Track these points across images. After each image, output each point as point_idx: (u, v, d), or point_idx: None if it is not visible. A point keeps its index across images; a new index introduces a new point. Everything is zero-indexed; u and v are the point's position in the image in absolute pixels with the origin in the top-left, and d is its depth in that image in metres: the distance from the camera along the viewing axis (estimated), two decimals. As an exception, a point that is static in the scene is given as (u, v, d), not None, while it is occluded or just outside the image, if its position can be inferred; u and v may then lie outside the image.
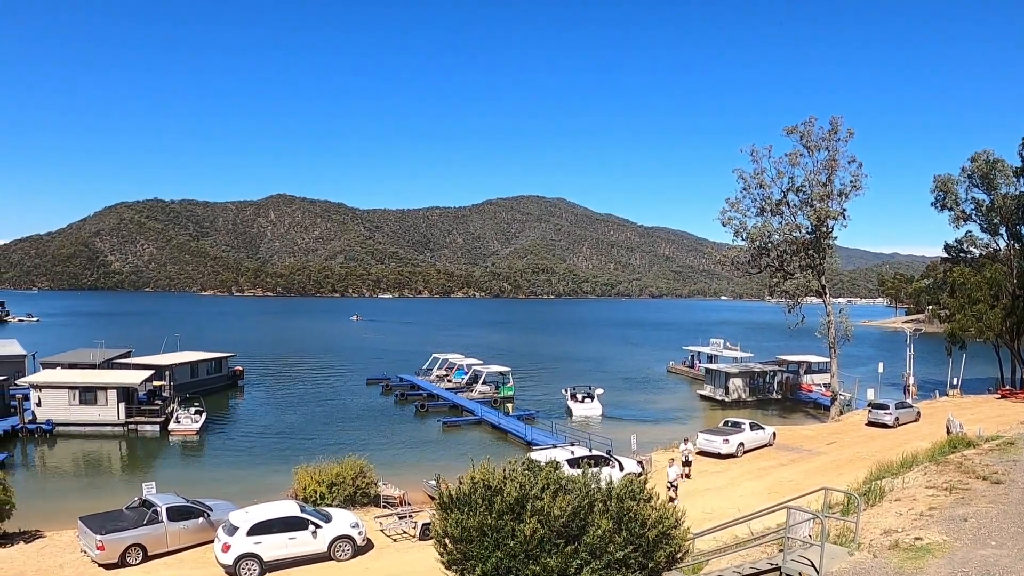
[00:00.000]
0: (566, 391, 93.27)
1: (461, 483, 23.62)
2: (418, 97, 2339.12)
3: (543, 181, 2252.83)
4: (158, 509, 37.76)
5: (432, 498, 45.28)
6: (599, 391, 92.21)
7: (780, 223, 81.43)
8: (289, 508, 37.02)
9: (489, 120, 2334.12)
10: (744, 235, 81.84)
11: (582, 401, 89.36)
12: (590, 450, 52.11)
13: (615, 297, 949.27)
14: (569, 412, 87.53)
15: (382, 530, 40.03)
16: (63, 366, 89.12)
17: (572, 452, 48.73)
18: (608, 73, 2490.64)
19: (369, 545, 37.84)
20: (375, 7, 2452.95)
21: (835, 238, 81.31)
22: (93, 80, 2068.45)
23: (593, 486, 22.39)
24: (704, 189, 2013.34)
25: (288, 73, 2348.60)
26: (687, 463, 49.13)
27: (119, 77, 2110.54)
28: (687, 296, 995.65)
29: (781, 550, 24.85)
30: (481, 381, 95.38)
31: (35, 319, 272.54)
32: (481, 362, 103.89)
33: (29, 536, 40.92)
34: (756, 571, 24.31)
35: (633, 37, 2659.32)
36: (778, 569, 23.43)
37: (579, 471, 23.63)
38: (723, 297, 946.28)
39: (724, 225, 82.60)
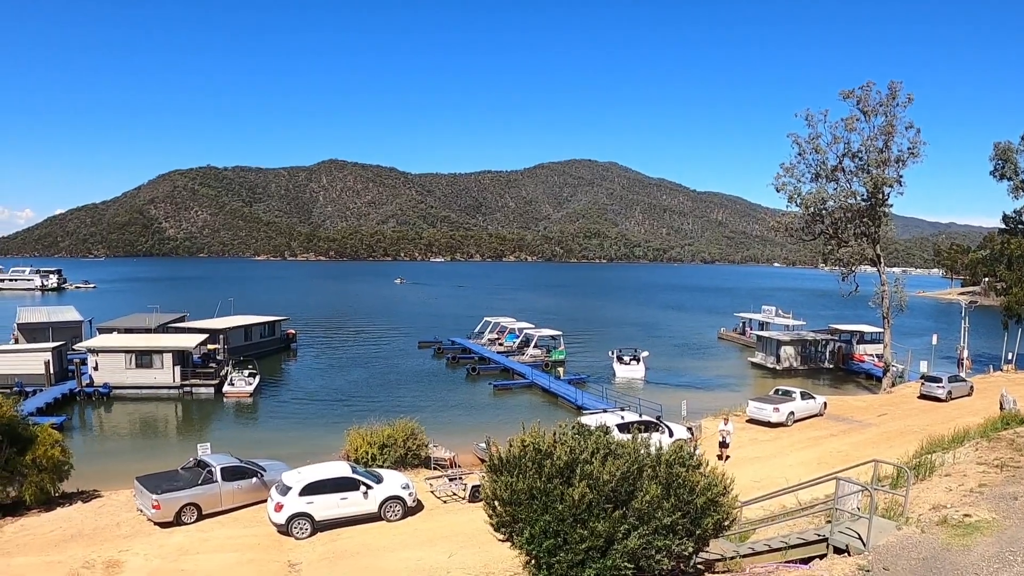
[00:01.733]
0: (612, 353, 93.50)
1: (511, 446, 23.63)
2: (469, 61, 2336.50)
3: (595, 145, 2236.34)
4: (212, 469, 38.34)
5: (482, 460, 45.48)
6: (645, 354, 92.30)
7: (835, 189, 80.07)
8: (341, 469, 37.39)
9: (541, 84, 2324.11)
10: (798, 201, 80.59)
11: (628, 363, 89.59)
12: (640, 415, 51.99)
13: (667, 262, 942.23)
14: (613, 374, 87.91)
15: (432, 491, 40.31)
16: (119, 331, 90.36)
17: (622, 417, 48.75)
18: (661, 36, 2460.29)
19: (419, 506, 38.15)
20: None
21: (891, 206, 79.77)
22: (144, 50, 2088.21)
23: (642, 451, 22.32)
24: (758, 154, 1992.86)
25: (339, 38, 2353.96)
26: (724, 444, 48.62)
27: (169, 45, 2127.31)
28: (739, 262, 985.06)
29: (829, 521, 24.67)
30: (532, 345, 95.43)
31: (91, 286, 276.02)
32: (533, 326, 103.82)
33: (87, 496, 41.70)
34: (803, 541, 24.15)
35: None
36: (825, 540, 23.25)
37: (629, 436, 23.59)
38: (776, 264, 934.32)
39: (778, 191, 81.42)
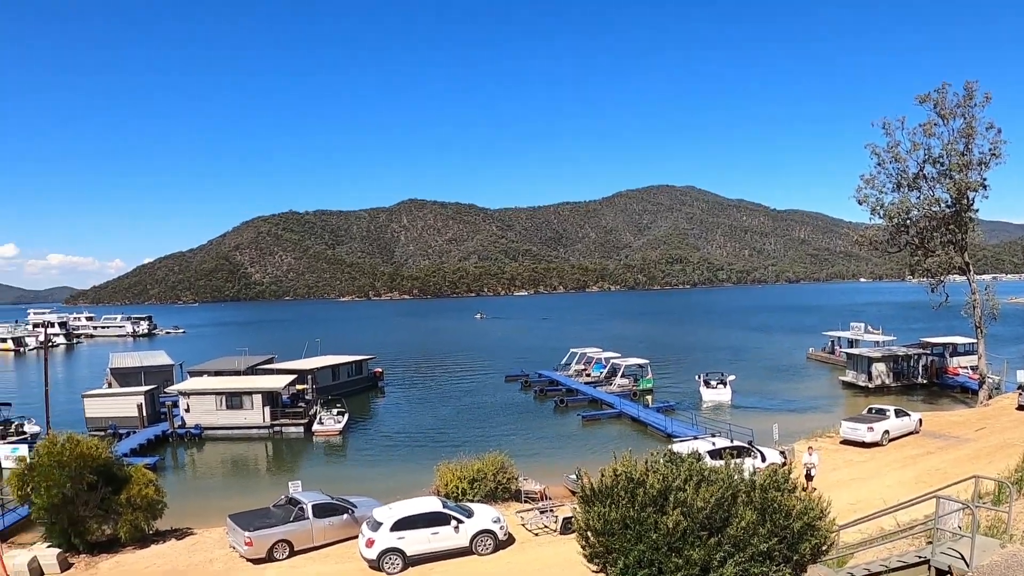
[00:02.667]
0: (699, 377, 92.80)
1: (603, 476, 23.36)
2: (544, 94, 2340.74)
3: (671, 170, 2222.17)
4: (304, 506, 38.78)
5: (573, 492, 45.18)
6: (731, 378, 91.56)
7: (918, 198, 78.20)
8: (431, 504, 37.44)
9: (616, 112, 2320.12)
10: (881, 212, 78.84)
11: (715, 387, 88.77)
12: (731, 441, 51.27)
13: (751, 284, 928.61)
14: (700, 399, 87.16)
15: (523, 525, 40.09)
16: (209, 374, 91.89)
17: (713, 443, 48.09)
18: (732, 56, 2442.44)
19: (510, 539, 37.98)
20: (500, 5, 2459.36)
21: (976, 211, 77.58)
22: (221, 98, 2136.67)
23: (736, 477, 21.92)
24: (838, 167, 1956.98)
25: (410, 78, 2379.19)
26: (809, 477, 47.14)
27: (245, 91, 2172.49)
28: (824, 280, 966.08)
29: (930, 542, 23.97)
30: (620, 374, 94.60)
31: (181, 331, 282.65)
32: (619, 355, 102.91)
33: (180, 533, 42.70)
34: (904, 564, 23.43)
35: (755, 14, 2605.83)
36: (927, 562, 22.56)
37: (721, 462, 23.15)
38: (862, 279, 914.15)
39: (860, 203, 79.74)
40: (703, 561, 19.39)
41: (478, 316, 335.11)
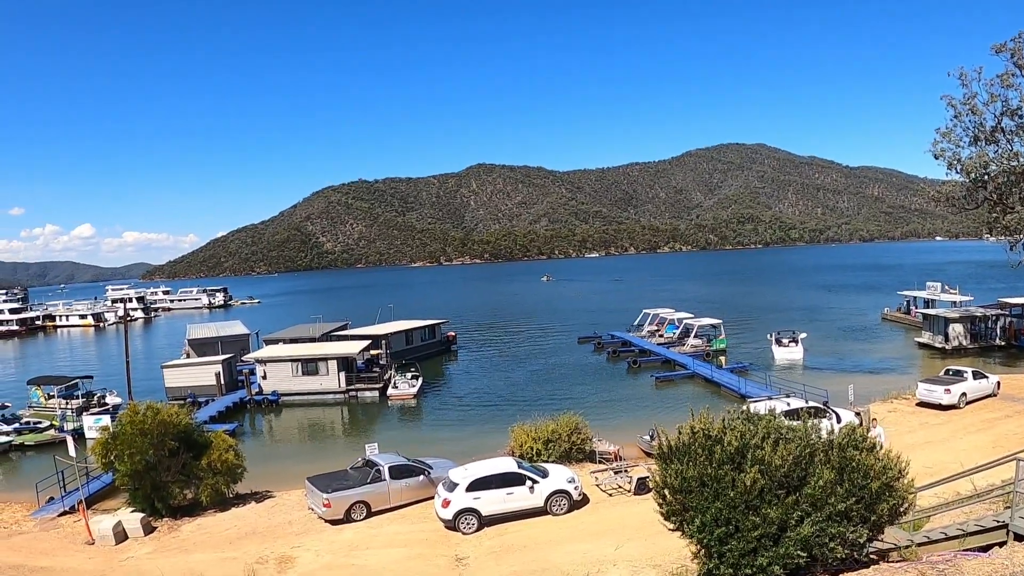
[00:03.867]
0: (771, 336, 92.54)
1: (680, 433, 23.21)
2: (609, 54, 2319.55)
3: (741, 127, 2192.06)
4: (381, 468, 39.34)
5: (646, 453, 45.25)
6: (803, 336, 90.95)
7: (996, 152, 75.82)
8: (507, 464, 37.67)
9: (685, 70, 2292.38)
10: (958, 168, 76.55)
11: (787, 346, 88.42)
12: (806, 401, 50.70)
13: (824, 243, 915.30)
14: (772, 357, 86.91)
15: (597, 485, 40.10)
16: (285, 341, 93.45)
17: (788, 404, 47.57)
18: (797, 10, 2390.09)
19: (585, 500, 38.04)
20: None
21: (1057, 165, 75.25)
22: (288, 74, 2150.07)
23: (814, 436, 21.64)
24: (913, 121, 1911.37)
25: (477, 43, 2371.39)
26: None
27: (314, 67, 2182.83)
28: (899, 238, 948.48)
29: (1008, 507, 23.42)
30: (692, 335, 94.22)
31: (256, 301, 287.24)
32: (692, 316, 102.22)
33: (260, 496, 43.76)
34: (981, 528, 22.91)
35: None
36: (1005, 527, 22.01)
37: (798, 422, 22.88)
38: (938, 237, 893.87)
39: (936, 158, 77.38)
40: (780, 520, 19.20)
41: (545, 279, 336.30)
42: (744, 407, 27.98)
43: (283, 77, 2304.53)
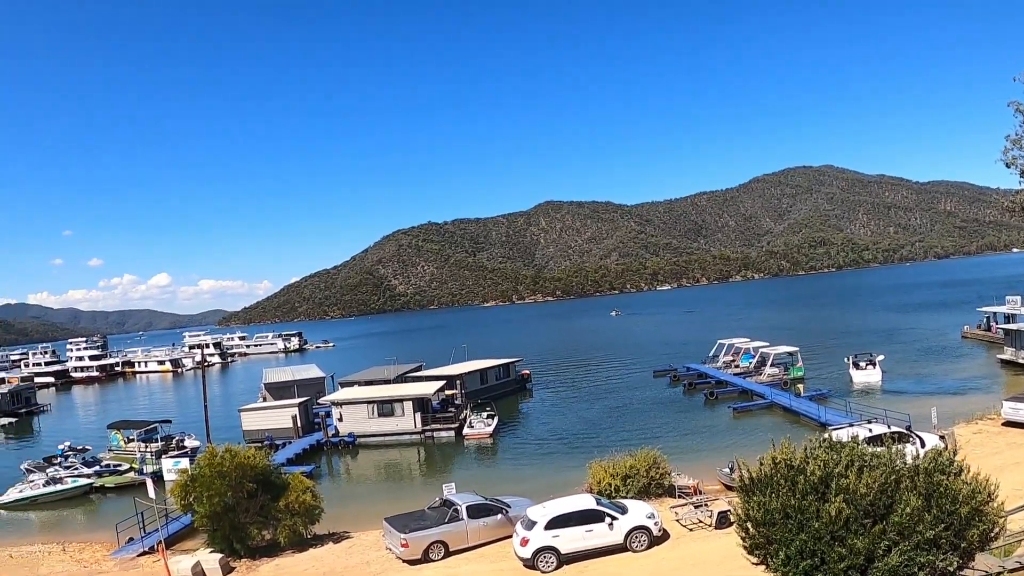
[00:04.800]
0: (848, 359, 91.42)
1: (762, 464, 22.81)
2: (671, 84, 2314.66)
3: (807, 149, 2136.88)
4: (458, 507, 39.23)
5: (727, 486, 44.61)
6: (880, 358, 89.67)
7: (1068, 157, 73.86)
8: (585, 501, 37.28)
9: (747, 96, 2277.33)
10: (1031, 174, 74.89)
11: (864, 368, 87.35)
12: (888, 426, 49.66)
13: (898, 263, 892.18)
14: (850, 380, 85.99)
15: (678, 520, 39.53)
16: (360, 384, 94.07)
17: (870, 430, 46.70)
18: (860, 29, 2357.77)
19: (665, 535, 37.43)
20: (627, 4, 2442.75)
21: None
22: (355, 118, 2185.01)
23: (899, 461, 21.11)
24: (983, 131, 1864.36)
25: (543, 80, 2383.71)
26: None
27: (381, 108, 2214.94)
28: (975, 253, 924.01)
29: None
30: (769, 363, 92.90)
31: (330, 345, 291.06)
32: (767, 344, 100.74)
33: (337, 537, 44.06)
34: (1075, 554, 22.20)
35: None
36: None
37: (882, 448, 22.34)
38: (1015, 249, 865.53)
39: (1008, 166, 75.73)
40: (867, 550, 18.75)
41: (614, 313, 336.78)
42: (826, 435, 27.44)
43: (349, 124, 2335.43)
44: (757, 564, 21.90)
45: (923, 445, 45.18)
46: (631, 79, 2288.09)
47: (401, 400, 78.51)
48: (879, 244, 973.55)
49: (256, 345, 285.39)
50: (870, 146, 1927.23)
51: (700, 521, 39.29)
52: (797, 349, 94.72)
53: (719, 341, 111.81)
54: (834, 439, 23.59)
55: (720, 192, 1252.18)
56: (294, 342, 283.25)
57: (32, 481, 66.42)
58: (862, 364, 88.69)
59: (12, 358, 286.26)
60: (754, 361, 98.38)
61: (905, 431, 48.25)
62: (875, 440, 39.11)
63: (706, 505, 40.37)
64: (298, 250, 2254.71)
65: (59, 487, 64.98)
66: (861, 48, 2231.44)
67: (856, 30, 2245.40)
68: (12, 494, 64.88)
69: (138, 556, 44.40)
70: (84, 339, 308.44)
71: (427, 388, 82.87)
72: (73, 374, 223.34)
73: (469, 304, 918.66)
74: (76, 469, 69.40)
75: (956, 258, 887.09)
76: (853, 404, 68.63)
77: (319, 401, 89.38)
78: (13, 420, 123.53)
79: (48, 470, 68.83)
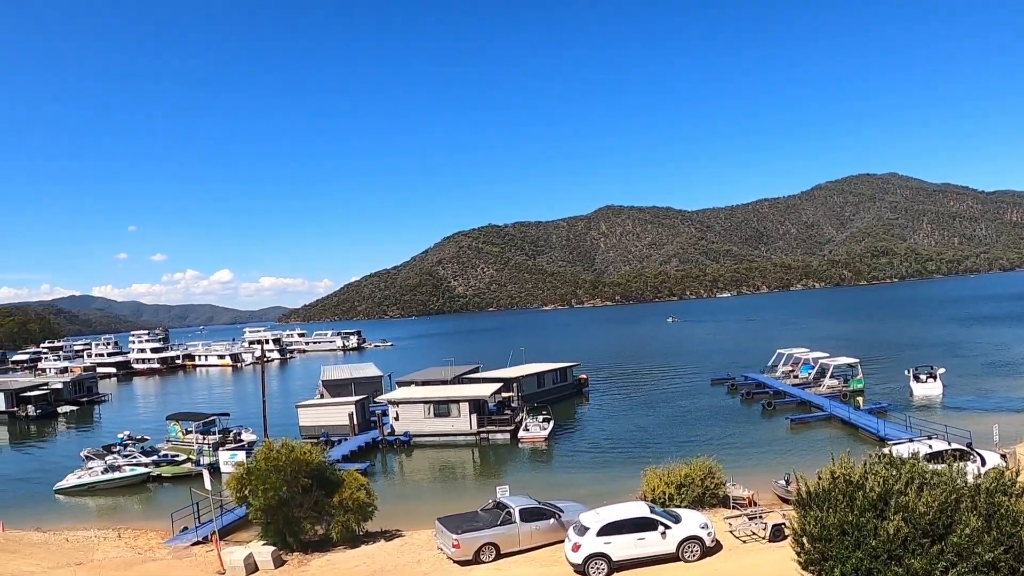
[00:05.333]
0: (909, 372, 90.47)
1: (820, 478, 22.50)
2: (733, 88, 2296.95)
3: (870, 157, 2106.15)
4: (511, 510, 39.25)
5: (782, 499, 44.06)
6: (941, 371, 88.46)
7: None
8: (639, 509, 37.08)
9: (809, 100, 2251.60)
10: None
11: (925, 381, 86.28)
12: (948, 443, 48.75)
13: (962, 274, 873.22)
14: (911, 393, 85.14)
15: (731, 531, 39.09)
16: (417, 383, 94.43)
17: (930, 446, 45.84)
18: (924, 33, 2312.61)
19: (718, 546, 37.08)
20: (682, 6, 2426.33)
21: None
22: (418, 119, 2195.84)
23: (959, 480, 20.69)
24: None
25: (603, 84, 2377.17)
26: None
27: (442, 110, 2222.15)
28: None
29: None
30: (828, 375, 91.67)
31: (389, 344, 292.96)
32: (827, 355, 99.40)
33: (389, 535, 44.31)
34: None
35: None
36: None
37: (942, 465, 21.92)
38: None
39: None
40: (924, 571, 18.43)
41: (670, 320, 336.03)
42: (886, 450, 27.02)
43: (410, 125, 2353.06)
44: (811, 580, 21.59)
45: (984, 464, 44.32)
46: (694, 84, 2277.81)
47: (457, 401, 78.70)
48: (943, 255, 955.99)
49: (315, 342, 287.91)
50: (935, 154, 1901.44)
51: (754, 533, 38.87)
52: (857, 361, 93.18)
53: (778, 351, 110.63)
54: (894, 455, 23.21)
55: (782, 199, 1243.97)
56: (353, 340, 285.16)
57: (91, 468, 67.87)
58: (923, 377, 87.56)
59: (76, 348, 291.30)
60: (813, 372, 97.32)
61: (966, 448, 47.33)
62: (935, 457, 38.45)
63: (760, 517, 39.91)
64: (359, 250, 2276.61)
65: (117, 475, 66.31)
66: (927, 54, 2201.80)
67: (922, 36, 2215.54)
68: (71, 480, 66.38)
69: (192, 545, 45.16)
70: (146, 332, 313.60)
71: (484, 390, 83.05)
72: (134, 365, 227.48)
73: (528, 307, 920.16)
74: (134, 458, 70.80)
75: (1022, 271, 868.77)
76: (913, 419, 67.39)
77: (376, 399, 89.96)
78: (75, 408, 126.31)
79: (107, 458, 70.36)
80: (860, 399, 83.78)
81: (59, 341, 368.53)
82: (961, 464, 22.79)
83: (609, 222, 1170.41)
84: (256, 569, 39.38)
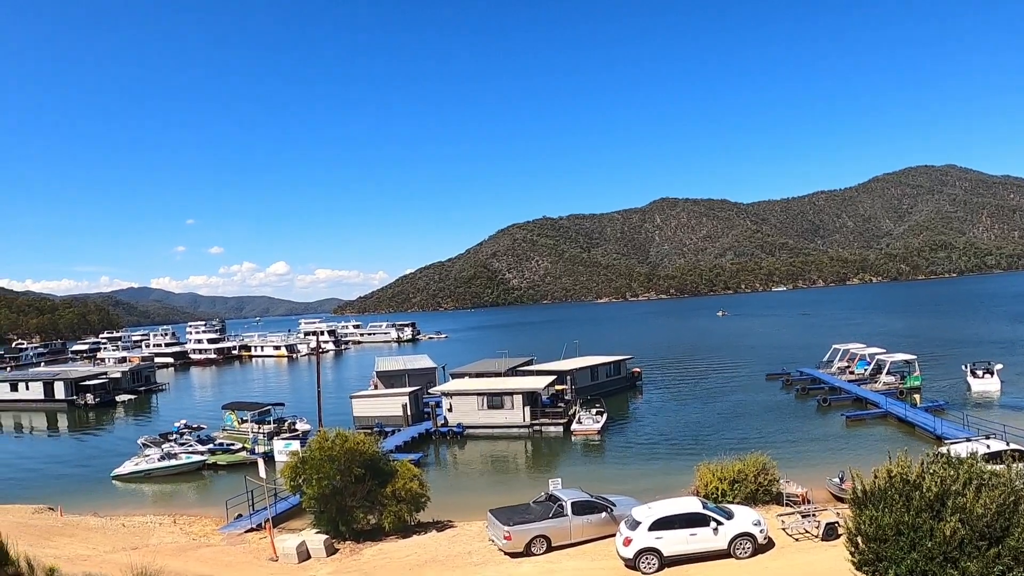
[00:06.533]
0: (966, 367, 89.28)
1: (876, 477, 22.24)
2: (789, 80, 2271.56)
3: (929, 148, 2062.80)
4: (563, 503, 39.30)
5: (836, 497, 43.65)
6: (999, 367, 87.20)
7: None
8: (691, 504, 36.93)
9: (866, 92, 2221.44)
10: None
11: (982, 377, 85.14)
12: (1007, 443, 47.96)
13: (1023, 269, 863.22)
14: (968, 388, 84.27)
15: (784, 529, 38.70)
16: (471, 375, 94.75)
17: (988, 446, 45.13)
18: (982, 12, 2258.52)
19: (770, 544, 36.76)
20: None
21: None
22: (472, 113, 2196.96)
23: (1019, 482, 20.36)
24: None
25: (658, 75, 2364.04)
26: None
27: (498, 102, 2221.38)
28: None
29: None
30: (885, 371, 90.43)
31: (443, 336, 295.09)
32: (884, 351, 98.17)
33: (441, 525, 44.68)
34: None
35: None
36: None
37: (1001, 466, 21.59)
38: None
39: None
40: (980, 574, 18.11)
41: (720, 313, 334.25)
42: (943, 449, 26.67)
43: (466, 114, 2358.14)
44: (865, 581, 21.36)
45: (1044, 464, 43.62)
46: (749, 75, 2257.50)
47: (511, 393, 78.91)
48: (1003, 249, 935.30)
49: (370, 334, 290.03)
50: (995, 145, 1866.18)
51: (807, 531, 38.48)
52: (915, 357, 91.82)
53: (834, 346, 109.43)
54: (951, 454, 22.89)
55: (838, 191, 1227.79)
56: (407, 332, 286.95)
57: (148, 455, 69.13)
58: (979, 372, 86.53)
59: (134, 338, 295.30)
60: (869, 368, 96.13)
61: (1025, 448, 46.61)
62: (994, 457, 37.93)
63: (814, 515, 39.50)
64: (414, 242, 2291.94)
65: (173, 462, 67.52)
66: (986, 44, 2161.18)
67: (980, 26, 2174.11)
68: (128, 467, 67.63)
69: (246, 532, 45.83)
70: (203, 322, 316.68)
71: (537, 382, 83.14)
72: (191, 356, 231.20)
73: (582, 300, 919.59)
74: (190, 446, 72.04)
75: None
76: (970, 418, 66.31)
77: (429, 391, 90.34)
78: (133, 397, 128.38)
79: (164, 446, 71.60)
80: (917, 397, 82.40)
81: (118, 332, 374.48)
82: (1020, 465, 22.47)
83: (664, 214, 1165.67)
84: (308, 556, 39.84)
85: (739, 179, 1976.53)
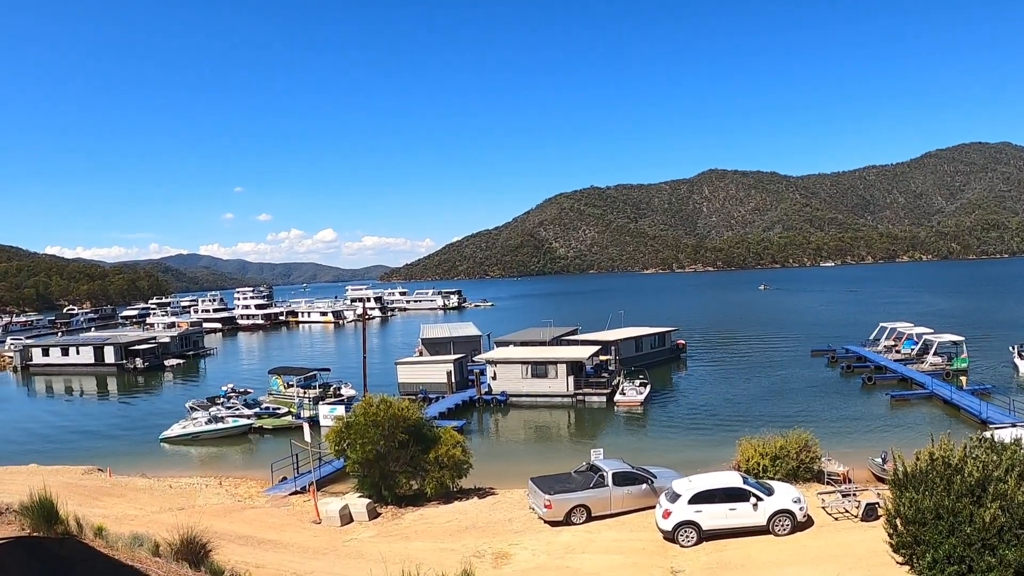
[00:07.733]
0: (1013, 348, 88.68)
1: (918, 459, 22.20)
2: (841, 53, 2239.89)
3: (983, 125, 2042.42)
4: (604, 474, 39.61)
5: (878, 477, 43.55)
6: None
7: None
8: (732, 479, 36.99)
9: (919, 66, 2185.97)
10: None
11: None
12: (1054, 429, 47.49)
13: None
14: (1016, 371, 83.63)
15: (823, 507, 38.61)
16: (515, 344, 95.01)
17: (1033, 431, 44.77)
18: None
19: (809, 522, 36.68)
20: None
21: None
22: (521, 82, 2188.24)
23: (1062, 470, 20.25)
24: None
25: (709, 47, 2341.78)
26: None
27: (546, 73, 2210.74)
28: None
29: None
30: (932, 352, 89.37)
31: (489, 304, 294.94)
32: (932, 331, 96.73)
33: (483, 492, 45.30)
34: None
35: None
36: None
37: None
38: None
39: None
40: (1018, 564, 18.04)
41: (762, 287, 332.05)
42: (987, 434, 26.54)
43: (515, 84, 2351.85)
44: (901, 564, 21.37)
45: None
46: (802, 47, 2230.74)
47: (555, 362, 79.24)
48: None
49: (416, 301, 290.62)
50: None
51: (847, 511, 38.36)
52: (963, 339, 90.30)
53: (881, 324, 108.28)
54: (995, 439, 22.80)
55: (890, 167, 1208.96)
56: (453, 300, 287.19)
57: (195, 419, 70.39)
58: None
59: (183, 304, 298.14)
60: (916, 348, 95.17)
61: (1074, 434, 46.09)
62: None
63: (854, 495, 39.34)
64: (461, 210, 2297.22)
65: (220, 426, 68.80)
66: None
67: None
68: (176, 430, 68.91)
69: (290, 495, 46.76)
70: (251, 289, 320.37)
71: (582, 352, 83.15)
72: (239, 321, 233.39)
73: (628, 270, 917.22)
74: (237, 410, 72.94)
75: None
76: (1017, 402, 65.53)
77: (474, 359, 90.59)
78: (181, 362, 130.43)
79: (211, 409, 72.70)
80: (963, 379, 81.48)
81: (167, 297, 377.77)
82: (1065, 452, 22.31)
83: (712, 186, 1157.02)
84: (351, 520, 40.49)
85: (789, 152, 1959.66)
